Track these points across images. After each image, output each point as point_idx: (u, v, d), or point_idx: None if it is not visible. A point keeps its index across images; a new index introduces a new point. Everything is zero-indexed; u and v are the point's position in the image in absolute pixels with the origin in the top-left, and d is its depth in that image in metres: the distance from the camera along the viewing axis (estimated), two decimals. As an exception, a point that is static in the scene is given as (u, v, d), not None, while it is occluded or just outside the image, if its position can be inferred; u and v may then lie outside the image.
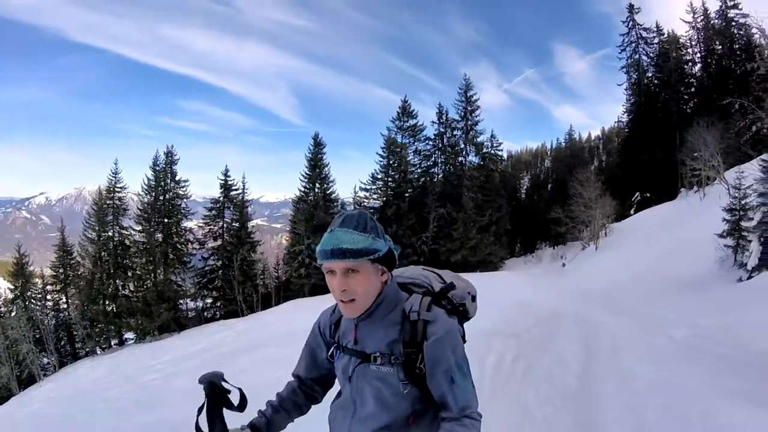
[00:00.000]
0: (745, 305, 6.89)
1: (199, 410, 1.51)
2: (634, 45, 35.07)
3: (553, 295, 9.82)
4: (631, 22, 35.16)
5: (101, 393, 14.22)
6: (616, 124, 40.37)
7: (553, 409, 3.40)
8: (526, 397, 3.64)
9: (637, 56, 35.00)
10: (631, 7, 35.43)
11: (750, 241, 10.64)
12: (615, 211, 26.69)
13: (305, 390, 1.69)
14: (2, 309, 28.54)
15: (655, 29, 34.82)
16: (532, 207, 36.59)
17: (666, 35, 34.25)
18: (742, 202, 11.32)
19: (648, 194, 30.13)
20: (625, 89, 35.74)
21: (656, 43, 34.55)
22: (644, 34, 34.98)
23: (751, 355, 4.52)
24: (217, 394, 1.51)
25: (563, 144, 46.69)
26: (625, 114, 36.15)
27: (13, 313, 27.64)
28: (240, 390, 1.56)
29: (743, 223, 11.12)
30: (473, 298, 1.68)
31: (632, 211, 29.35)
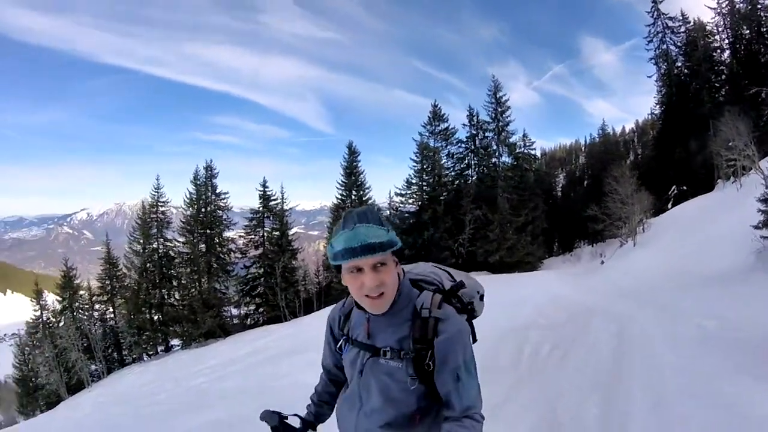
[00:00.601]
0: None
1: None
2: (660, 35, 34.18)
3: (587, 292, 9.93)
4: (656, 12, 34.24)
5: (150, 397, 14.67)
6: (649, 116, 39.34)
7: (582, 393, 3.69)
8: (560, 381, 3.93)
9: (664, 46, 34.07)
10: (655, -5, 34.27)
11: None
12: (652, 206, 26.23)
13: (333, 378, 1.75)
14: (52, 320, 29.65)
15: (681, 18, 33.71)
16: (568, 205, 36.16)
17: (692, 23, 33.14)
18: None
19: (684, 187, 29.49)
20: (656, 81, 34.79)
21: (683, 32, 33.58)
22: (670, 23, 33.96)
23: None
24: (280, 424, 1.63)
25: (597, 139, 45.90)
26: (657, 106, 35.19)
27: (61, 324, 28.88)
28: (298, 416, 1.69)
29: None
30: (481, 297, 1.72)
31: (669, 205, 28.68)
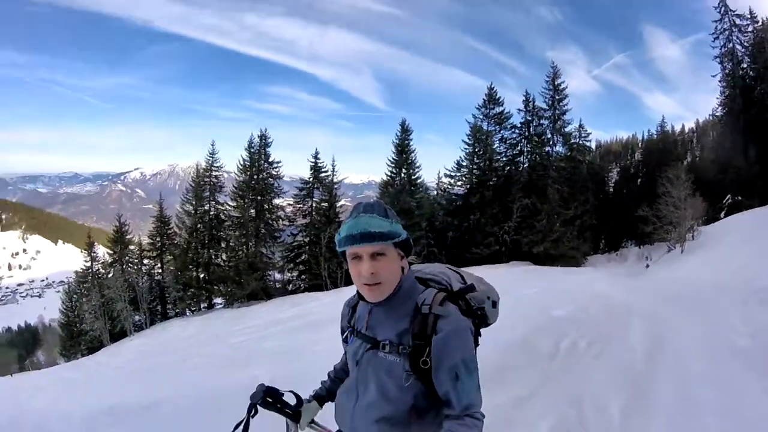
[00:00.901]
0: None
1: (245, 420, 1.61)
2: (727, 33, 32.55)
3: (630, 294, 9.82)
4: (723, 8, 32.56)
5: (196, 349, 15.10)
6: (710, 117, 37.70)
7: (610, 389, 3.86)
8: (592, 375, 4.11)
9: (731, 45, 32.37)
10: (722, -9, 32.50)
11: None
12: (704, 213, 25.54)
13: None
14: (101, 271, 31.44)
15: (749, 16, 31.98)
16: (619, 202, 35.38)
17: (761, 23, 31.40)
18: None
19: (740, 197, 28.56)
20: (719, 80, 33.11)
21: (751, 32, 31.83)
22: (738, 21, 32.30)
23: None
24: (274, 398, 1.66)
25: (655, 136, 44.37)
26: (719, 107, 33.64)
27: (110, 275, 30.56)
28: (293, 392, 1.72)
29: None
30: (494, 304, 1.68)
31: (722, 214, 27.90)
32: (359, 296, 1.55)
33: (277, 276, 31.90)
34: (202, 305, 31.99)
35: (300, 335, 11.76)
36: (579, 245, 29.19)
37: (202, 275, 31.83)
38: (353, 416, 1.55)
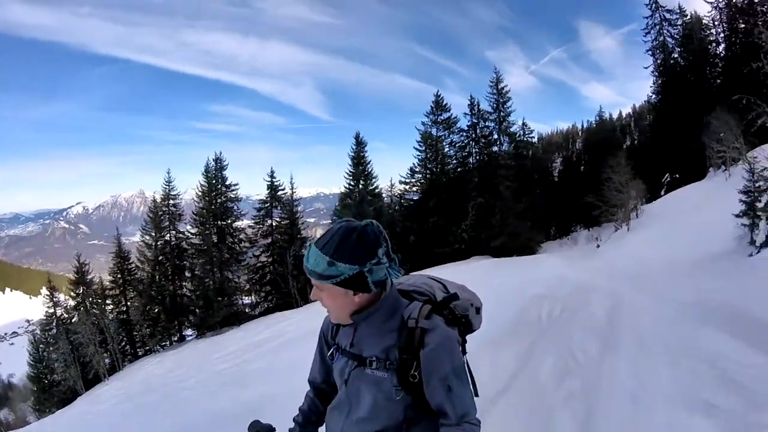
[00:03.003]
0: (744, 275, 8.20)
1: None
2: (658, 27, 35.05)
3: (585, 273, 10.85)
4: (654, 5, 35.14)
5: (178, 383, 14.38)
6: (646, 103, 40.28)
7: (587, 340, 5.04)
8: (571, 332, 5.24)
9: (661, 38, 34.94)
10: (653, -12, 35.20)
11: (761, 221, 11.61)
12: (646, 193, 27.44)
13: (320, 394, 1.75)
14: (65, 316, 30.18)
15: (678, 10, 34.69)
16: (565, 189, 36.81)
17: (689, 16, 34.14)
18: (756, 184, 12.10)
19: (677, 175, 30.43)
20: (652, 71, 35.74)
21: (680, 25, 34.47)
22: (668, 15, 34.90)
23: (728, 309, 5.99)
24: None
25: (594, 124, 46.69)
26: (653, 95, 36.26)
27: (74, 319, 29.43)
28: None
29: (757, 204, 11.93)
30: (477, 311, 1.69)
31: (663, 192, 29.86)
32: None
33: (246, 300, 31.87)
34: (172, 339, 31.42)
35: (282, 354, 11.87)
36: (533, 235, 30.64)
37: (169, 308, 31.12)
38: (344, 430, 1.55)
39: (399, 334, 1.45)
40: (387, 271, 1.42)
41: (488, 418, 3.43)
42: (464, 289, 1.71)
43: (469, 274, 15.64)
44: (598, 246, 24.43)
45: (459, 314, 1.58)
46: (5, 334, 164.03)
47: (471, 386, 1.48)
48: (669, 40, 34.92)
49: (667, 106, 32.83)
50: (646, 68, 36.15)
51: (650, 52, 35.74)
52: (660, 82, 35.07)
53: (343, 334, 1.58)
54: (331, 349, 1.62)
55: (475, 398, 1.49)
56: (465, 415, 1.42)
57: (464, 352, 1.59)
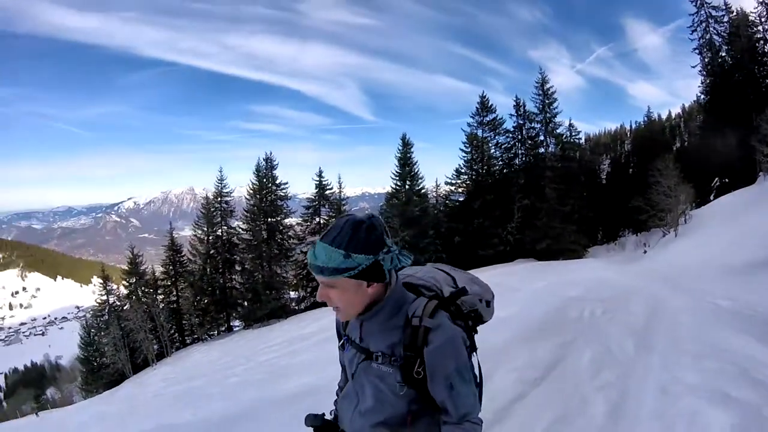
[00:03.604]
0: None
1: None
2: (704, 24, 33.81)
3: (629, 277, 10.90)
4: (699, 1, 33.90)
5: (225, 371, 14.55)
6: (695, 103, 39.02)
7: (624, 338, 5.39)
8: (610, 331, 5.56)
9: (708, 36, 33.74)
10: (697, -15, 34.09)
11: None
12: (695, 198, 26.92)
13: None
14: (117, 303, 31.85)
15: (724, 7, 33.43)
16: (613, 192, 36.05)
17: (735, 13, 32.91)
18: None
19: (726, 180, 29.82)
20: (699, 70, 34.53)
21: (726, 22, 33.20)
22: (713, 12, 33.58)
23: (763, 316, 6.25)
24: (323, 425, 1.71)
25: (642, 125, 45.59)
26: (702, 95, 35.08)
27: (126, 307, 31.06)
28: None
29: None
30: (488, 304, 1.69)
31: (712, 197, 29.00)
32: None
33: (292, 294, 32.72)
34: (220, 329, 32.73)
35: (327, 347, 11.71)
36: (578, 239, 30.18)
37: (219, 299, 32.48)
38: (352, 421, 1.60)
39: (403, 332, 1.46)
40: (397, 258, 1.44)
41: (527, 399, 3.87)
42: (474, 281, 1.71)
43: (512, 277, 15.67)
44: (645, 252, 24.03)
45: (466, 310, 1.59)
46: (55, 318, 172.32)
47: (475, 385, 1.51)
48: (716, 37, 33.64)
49: (716, 107, 31.81)
50: (693, 67, 34.97)
51: (697, 51, 34.47)
52: (708, 81, 33.86)
53: (352, 327, 1.61)
54: (342, 340, 1.67)
55: (478, 398, 1.53)
56: (466, 414, 1.46)
57: (474, 348, 1.58)
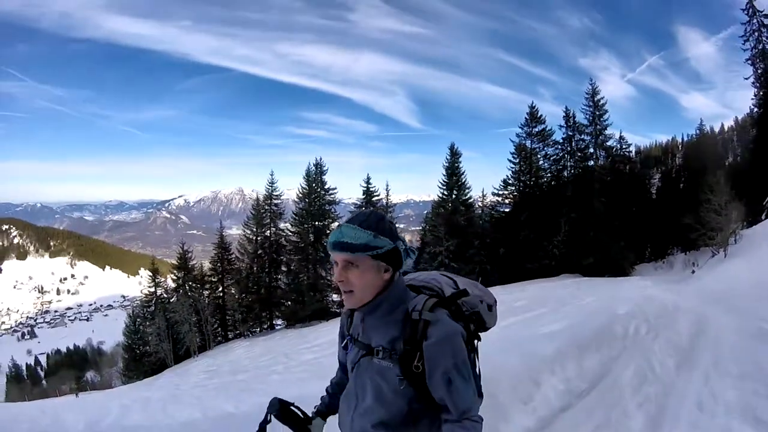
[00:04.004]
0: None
1: (264, 422, 1.73)
2: (756, 34, 32.55)
3: (675, 296, 10.78)
4: (751, 9, 32.64)
5: (268, 367, 15.43)
6: (748, 116, 37.36)
7: (667, 355, 5.59)
8: (653, 348, 5.69)
9: (761, 46, 32.41)
10: (749, -7, 32.68)
11: None
12: (746, 216, 26.03)
13: (347, 371, 1.75)
14: (165, 295, 33.20)
15: None
16: (663, 208, 35.08)
17: None
18: None
19: None
20: (753, 82, 33.26)
21: None
22: (766, 21, 32.29)
23: None
24: (288, 412, 1.75)
25: (694, 138, 44.11)
26: (755, 108, 33.78)
27: (173, 299, 32.23)
28: (299, 408, 1.77)
29: None
30: (489, 307, 1.70)
31: (764, 216, 27.85)
32: None
33: (335, 297, 33.08)
34: (263, 327, 33.72)
35: None
36: (626, 255, 29.60)
37: (264, 297, 33.44)
38: (352, 422, 1.60)
39: (403, 326, 1.49)
40: (408, 252, 1.51)
41: (574, 409, 4.15)
42: (475, 286, 1.73)
43: (560, 291, 15.79)
44: (693, 272, 23.43)
45: (467, 310, 1.61)
46: (101, 306, 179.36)
47: (474, 383, 1.52)
48: None
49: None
50: (746, 79, 33.68)
51: (750, 62, 33.21)
52: (761, 93, 32.62)
53: (356, 324, 1.64)
54: (345, 340, 1.69)
55: (477, 397, 1.54)
56: (466, 411, 1.46)
57: (475, 350, 1.63)
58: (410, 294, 1.57)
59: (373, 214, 1.50)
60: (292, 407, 1.76)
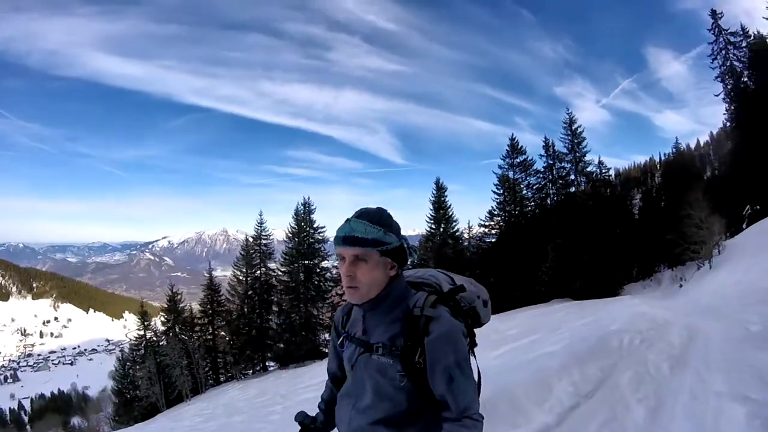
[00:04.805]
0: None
1: None
2: (724, 52, 33.90)
3: (665, 311, 11.03)
4: (717, 29, 34.05)
5: (265, 408, 14.93)
6: (721, 130, 38.73)
7: (661, 361, 6.05)
8: (648, 356, 6.14)
9: (729, 63, 33.76)
10: (714, 14, 34.30)
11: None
12: (727, 227, 26.50)
13: (338, 383, 1.79)
14: (154, 339, 32.78)
15: (741, 32, 33.54)
16: (646, 227, 35.55)
17: (752, 37, 32.93)
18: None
19: (758, 207, 29.19)
20: (723, 98, 34.54)
21: (745, 47, 33.27)
22: (732, 38, 33.69)
23: None
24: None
25: (671, 156, 45.18)
26: (728, 123, 35.10)
27: (162, 342, 31.87)
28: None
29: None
30: (485, 303, 1.71)
31: (744, 225, 28.54)
32: None
33: (328, 336, 33.07)
34: (255, 368, 33.40)
35: None
36: (614, 276, 29.89)
37: (255, 338, 33.15)
38: (351, 420, 1.59)
39: (404, 322, 1.50)
40: (411, 251, 1.55)
41: (583, 407, 4.63)
42: (472, 283, 1.75)
43: (551, 316, 15.95)
44: (681, 286, 23.87)
45: (465, 306, 1.62)
46: (85, 350, 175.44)
47: (474, 380, 1.51)
48: (736, 63, 33.55)
49: (743, 133, 31.48)
50: (716, 95, 35.02)
51: (719, 79, 34.39)
52: (732, 108, 33.80)
53: (354, 322, 1.66)
54: (341, 338, 1.69)
55: (477, 393, 1.53)
56: (466, 409, 1.46)
57: (474, 345, 1.64)
58: (410, 291, 1.60)
59: (381, 211, 1.54)
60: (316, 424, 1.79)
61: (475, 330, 1.70)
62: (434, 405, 1.49)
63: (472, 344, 1.64)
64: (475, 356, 1.65)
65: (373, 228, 1.46)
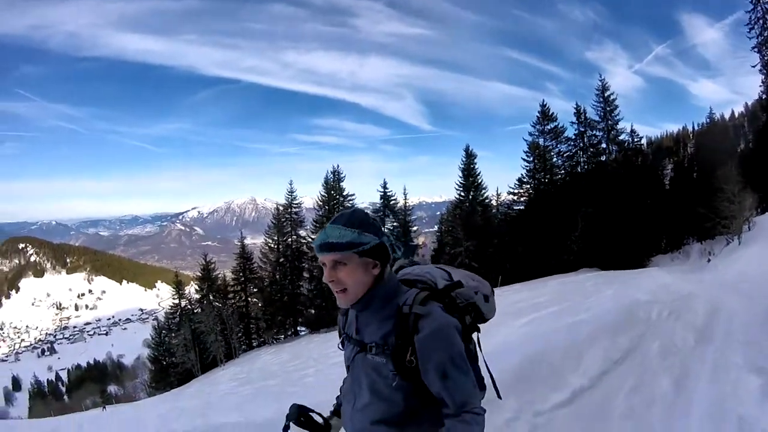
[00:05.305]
0: None
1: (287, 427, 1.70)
2: (761, 21, 32.43)
3: (692, 284, 11.08)
4: None
5: (299, 372, 15.66)
6: (757, 101, 37.36)
7: (687, 333, 6.29)
8: (674, 328, 6.40)
9: (766, 33, 32.39)
10: (751, -20, 32.06)
11: None
12: (759, 203, 26.24)
13: None
14: (189, 307, 33.86)
15: None
16: (677, 198, 35.05)
17: None
18: None
19: None
20: (760, 69, 33.32)
21: None
22: None
23: None
24: (306, 417, 1.72)
25: (705, 125, 44.18)
26: (764, 95, 34.01)
27: (197, 310, 32.85)
28: (320, 414, 1.76)
29: None
30: (486, 298, 1.68)
31: None
32: None
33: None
34: (287, 333, 34.31)
35: None
36: (643, 247, 29.88)
37: (287, 304, 34.03)
38: (352, 419, 1.60)
39: (395, 321, 1.48)
40: (395, 245, 1.53)
41: (613, 373, 4.98)
42: (471, 278, 1.72)
43: (580, 285, 16.14)
44: (709, 260, 23.60)
45: (462, 302, 1.59)
46: (119, 320, 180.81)
47: (473, 375, 1.50)
48: None
49: None
50: (753, 67, 33.74)
51: (756, 49, 33.13)
52: None
53: (350, 322, 1.65)
54: (342, 338, 1.70)
55: (478, 389, 1.53)
56: (465, 404, 1.43)
57: (470, 341, 1.61)
58: (403, 288, 1.57)
59: (356, 212, 1.53)
60: (311, 413, 1.75)
61: (497, 306, 1.75)
62: (434, 403, 1.49)
63: (470, 342, 1.64)
64: (480, 347, 1.68)
65: (347, 231, 1.45)
